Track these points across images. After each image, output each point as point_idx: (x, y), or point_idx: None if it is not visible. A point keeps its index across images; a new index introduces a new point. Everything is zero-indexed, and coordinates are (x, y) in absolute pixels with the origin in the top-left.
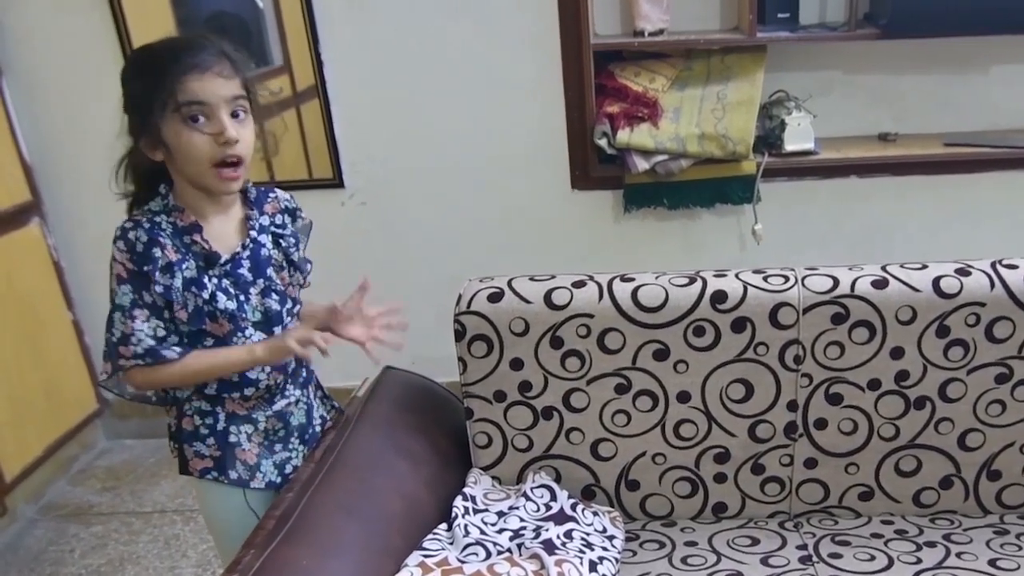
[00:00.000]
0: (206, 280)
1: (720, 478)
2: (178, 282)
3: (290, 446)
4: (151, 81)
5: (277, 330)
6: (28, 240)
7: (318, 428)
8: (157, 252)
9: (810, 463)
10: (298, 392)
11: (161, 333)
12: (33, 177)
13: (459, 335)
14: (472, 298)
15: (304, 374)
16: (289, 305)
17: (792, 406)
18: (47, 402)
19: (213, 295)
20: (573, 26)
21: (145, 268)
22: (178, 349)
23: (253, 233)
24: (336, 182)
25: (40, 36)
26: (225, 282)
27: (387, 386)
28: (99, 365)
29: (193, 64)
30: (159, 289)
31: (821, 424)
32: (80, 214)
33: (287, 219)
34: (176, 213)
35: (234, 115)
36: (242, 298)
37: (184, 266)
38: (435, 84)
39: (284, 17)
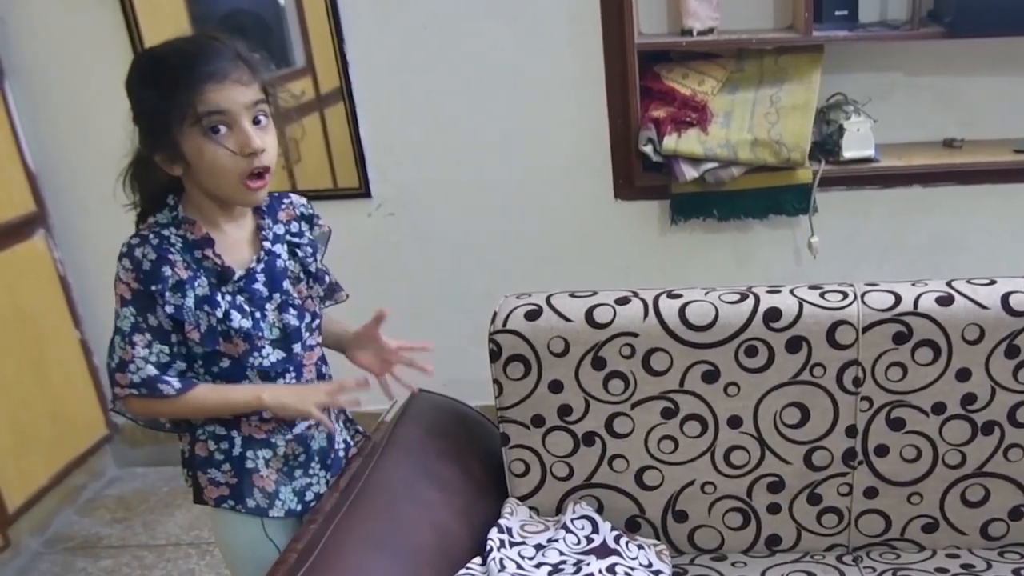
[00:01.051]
0: (219, 297)
1: (774, 509)
2: (190, 301)
3: (311, 472)
4: (165, 93)
5: (296, 347)
6: (32, 254)
7: (341, 454)
8: (167, 270)
9: (870, 492)
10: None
11: (164, 359)
12: (38, 186)
13: (494, 355)
14: (508, 316)
15: None
16: (308, 320)
17: (851, 432)
18: (53, 427)
19: (227, 313)
20: (616, 25)
21: (153, 288)
22: (177, 384)
23: (267, 244)
24: (362, 191)
25: (45, 35)
26: (239, 299)
27: (417, 410)
28: (109, 387)
29: (210, 73)
30: (170, 309)
31: (882, 451)
32: (88, 226)
33: (304, 226)
34: (186, 226)
35: (255, 121)
36: (258, 315)
37: (196, 283)
38: (469, 87)
39: (307, 14)
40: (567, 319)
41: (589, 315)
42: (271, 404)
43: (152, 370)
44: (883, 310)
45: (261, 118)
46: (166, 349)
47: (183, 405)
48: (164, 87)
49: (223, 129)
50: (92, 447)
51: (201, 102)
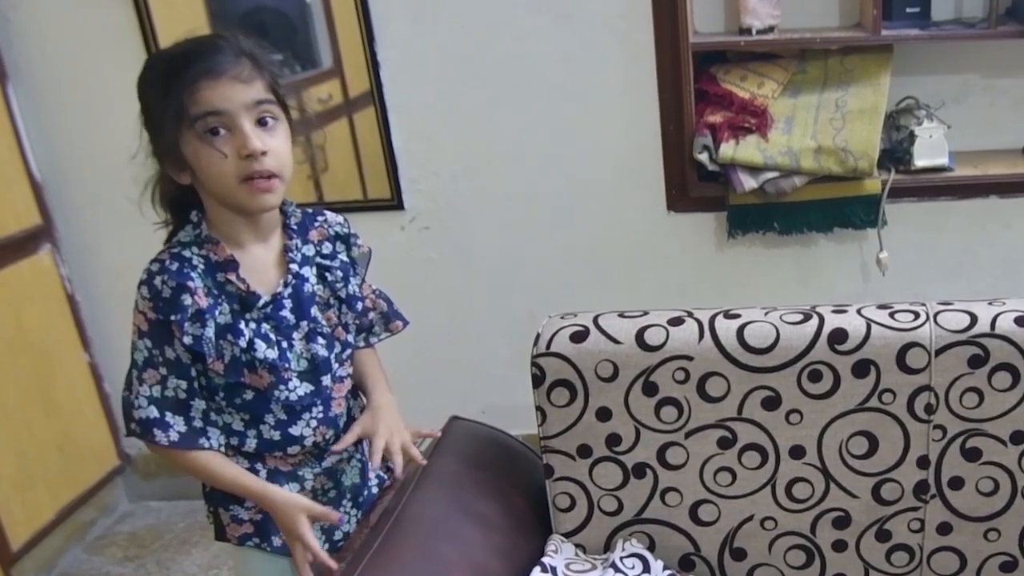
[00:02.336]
0: (242, 325)
1: (839, 546)
2: (210, 331)
3: (341, 509)
4: (161, 94)
5: (325, 379)
6: (38, 270)
7: (375, 490)
8: (187, 299)
9: (944, 528)
10: (351, 448)
11: (181, 396)
12: (43, 197)
13: (537, 380)
14: (552, 338)
15: None
16: (338, 350)
17: (923, 463)
18: (60, 458)
19: (251, 343)
20: (669, 23)
21: (173, 318)
22: (174, 436)
23: (294, 267)
24: (394, 203)
25: (52, 34)
26: (264, 327)
27: (454, 439)
28: (120, 414)
29: (205, 69)
30: (188, 340)
31: (956, 483)
32: (97, 240)
33: (338, 247)
34: (209, 245)
35: (261, 123)
36: (284, 345)
37: (217, 312)
38: (509, 89)
39: (335, 12)
40: (616, 341)
41: (640, 337)
42: (270, 508)
43: (153, 411)
44: (958, 331)
45: (268, 119)
46: (184, 384)
47: (182, 460)
48: (160, 88)
49: (222, 132)
50: (102, 480)
51: (194, 102)
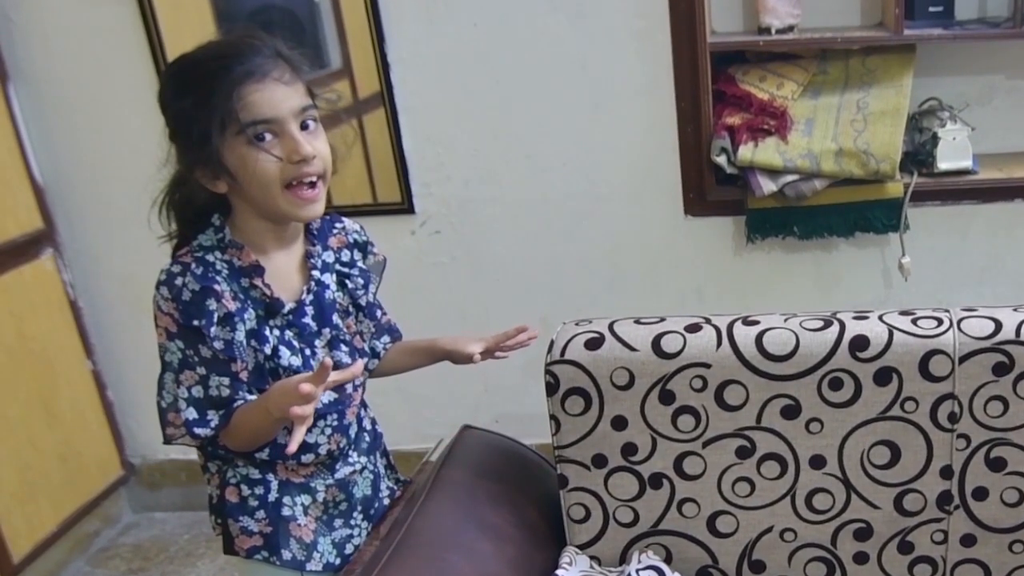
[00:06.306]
0: (267, 332)
1: (861, 558)
2: (240, 335)
3: (352, 522)
4: (202, 99)
5: (348, 387)
6: (39, 275)
7: (387, 503)
8: (212, 303)
9: (968, 540)
10: (363, 459)
11: (225, 393)
12: (45, 201)
13: (551, 389)
14: (567, 345)
15: (368, 439)
16: (358, 358)
17: (946, 473)
18: (62, 469)
19: (275, 349)
20: (686, 22)
21: (195, 323)
22: (215, 424)
23: (316, 273)
24: (405, 207)
25: (55, 34)
26: (288, 334)
27: (465, 449)
28: (124, 423)
29: (247, 72)
30: (219, 345)
31: (981, 494)
32: (101, 245)
33: (356, 255)
34: (233, 250)
35: (303, 127)
36: (307, 352)
37: (245, 316)
38: (523, 90)
39: (344, 11)
40: (632, 348)
41: (656, 344)
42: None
43: (192, 413)
44: (982, 338)
45: (310, 123)
46: (226, 380)
47: (235, 437)
48: (200, 93)
49: (269, 136)
50: (105, 490)
51: (242, 107)
